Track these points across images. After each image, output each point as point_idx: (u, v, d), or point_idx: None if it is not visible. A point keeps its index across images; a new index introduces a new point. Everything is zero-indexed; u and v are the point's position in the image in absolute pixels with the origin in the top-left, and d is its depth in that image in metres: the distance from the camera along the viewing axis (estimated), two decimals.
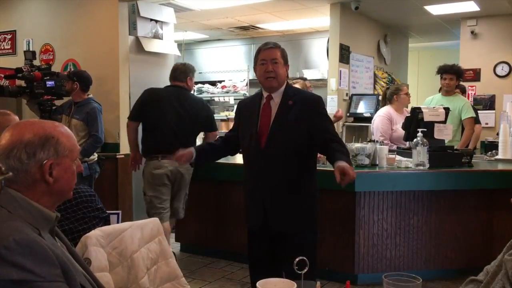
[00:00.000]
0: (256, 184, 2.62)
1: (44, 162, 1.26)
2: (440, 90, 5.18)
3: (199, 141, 4.41)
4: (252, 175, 2.64)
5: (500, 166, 4.16)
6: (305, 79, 5.14)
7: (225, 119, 7.79)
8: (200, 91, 8.08)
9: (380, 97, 5.11)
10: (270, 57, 2.55)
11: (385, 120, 4.57)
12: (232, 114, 7.53)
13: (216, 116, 7.83)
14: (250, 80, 7.72)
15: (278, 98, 2.58)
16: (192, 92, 4.33)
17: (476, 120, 5.23)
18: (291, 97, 2.58)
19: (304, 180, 2.60)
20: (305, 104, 2.56)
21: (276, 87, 2.58)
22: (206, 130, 4.16)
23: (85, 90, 4.45)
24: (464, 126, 4.92)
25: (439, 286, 3.74)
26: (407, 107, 4.81)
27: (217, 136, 4.01)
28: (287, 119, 2.53)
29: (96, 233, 1.90)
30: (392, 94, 4.71)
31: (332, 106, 6.33)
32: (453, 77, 4.89)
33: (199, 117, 3.98)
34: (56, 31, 5.64)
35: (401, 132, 4.38)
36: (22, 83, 4.72)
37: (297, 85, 4.43)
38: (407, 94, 4.76)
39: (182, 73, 4.02)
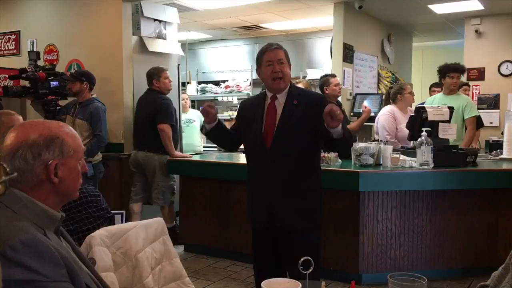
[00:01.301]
0: (262, 184, 2.61)
1: (50, 162, 1.27)
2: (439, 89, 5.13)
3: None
4: (258, 175, 2.64)
5: (505, 166, 4.15)
6: (333, 76, 5.11)
7: (228, 118, 7.78)
8: (203, 91, 8.09)
9: (384, 96, 5.08)
10: (276, 57, 2.55)
11: (390, 118, 4.56)
12: (235, 114, 7.52)
13: (220, 116, 7.85)
14: (253, 79, 7.72)
15: (283, 98, 2.59)
16: (168, 90, 4.75)
17: (478, 123, 5.17)
18: (296, 97, 2.58)
19: (310, 178, 2.61)
20: (310, 103, 2.57)
21: (283, 88, 2.59)
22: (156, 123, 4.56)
23: (91, 89, 4.49)
24: (466, 126, 4.86)
25: (443, 285, 3.73)
26: (411, 106, 4.79)
27: (166, 131, 4.50)
28: (292, 119, 2.53)
29: (101, 233, 1.90)
30: (396, 93, 4.69)
31: None
32: (459, 75, 4.86)
33: (148, 113, 4.63)
34: (60, 32, 5.65)
35: (405, 131, 4.37)
36: (26, 83, 4.73)
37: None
38: (411, 93, 4.73)
39: (147, 78, 4.74)
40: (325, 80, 4.96)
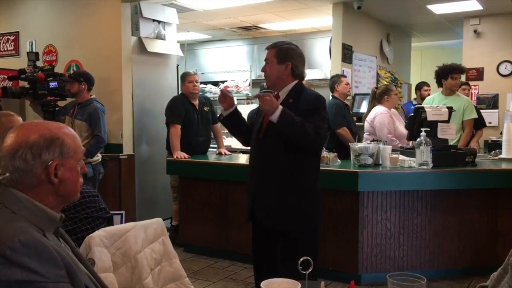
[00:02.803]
0: (251, 176, 2.68)
1: (50, 163, 1.26)
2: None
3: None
4: (250, 166, 2.72)
5: (504, 166, 4.15)
6: (344, 76, 5.34)
7: None
8: (202, 91, 8.08)
9: (369, 97, 5.08)
10: (266, 57, 2.64)
11: (389, 117, 4.57)
12: None
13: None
14: (252, 80, 7.72)
15: (283, 96, 2.64)
16: (192, 93, 4.86)
17: (480, 124, 5.18)
18: (293, 96, 2.60)
19: (297, 178, 2.56)
20: (302, 102, 2.57)
21: (270, 86, 2.68)
22: None
23: (90, 89, 4.48)
24: (463, 127, 4.84)
25: (443, 285, 3.73)
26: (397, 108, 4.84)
27: (170, 131, 4.71)
28: None
29: (100, 234, 1.90)
30: (382, 94, 4.72)
31: None
32: (460, 76, 4.87)
33: None
34: (59, 32, 5.65)
35: (401, 130, 4.39)
36: (25, 84, 4.74)
37: None
38: (397, 94, 4.78)
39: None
40: (336, 79, 5.16)
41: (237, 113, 2.75)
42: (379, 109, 4.67)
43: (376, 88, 5.00)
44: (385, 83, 7.40)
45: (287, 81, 2.61)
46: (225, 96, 2.67)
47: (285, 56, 2.59)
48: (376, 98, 4.76)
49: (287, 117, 2.43)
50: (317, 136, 2.47)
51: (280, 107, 2.45)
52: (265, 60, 2.63)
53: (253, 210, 2.63)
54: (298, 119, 2.44)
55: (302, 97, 2.59)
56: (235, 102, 2.74)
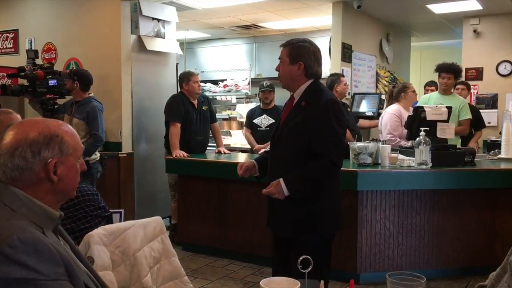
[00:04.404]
0: (269, 180, 2.55)
1: (49, 160, 1.26)
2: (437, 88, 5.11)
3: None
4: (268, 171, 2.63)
5: (503, 165, 4.15)
6: (343, 75, 5.29)
7: (227, 118, 7.77)
8: (202, 90, 8.08)
9: (387, 96, 5.08)
10: (279, 56, 2.53)
11: (394, 117, 4.57)
12: (233, 113, 7.54)
13: (218, 115, 7.86)
14: (252, 79, 7.71)
15: (297, 98, 2.50)
16: (196, 94, 4.89)
17: (479, 124, 5.16)
18: (305, 99, 2.45)
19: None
20: (314, 107, 2.40)
21: (284, 86, 2.55)
22: None
23: (85, 89, 4.43)
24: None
25: (441, 285, 3.73)
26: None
27: (170, 129, 4.69)
28: (294, 120, 2.44)
29: (99, 232, 1.90)
30: (399, 92, 4.71)
31: None
32: (451, 76, 4.74)
33: None
34: (58, 30, 5.65)
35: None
36: (24, 82, 4.72)
37: None
38: (414, 91, 4.76)
39: (179, 81, 4.95)
40: (336, 78, 5.05)
41: (259, 163, 2.65)
42: (389, 109, 4.71)
43: (393, 87, 5.00)
44: (385, 82, 7.41)
45: (301, 81, 2.47)
46: (246, 171, 2.62)
47: (297, 55, 2.44)
48: (394, 96, 4.76)
49: (292, 185, 2.37)
50: (327, 166, 2.39)
51: (280, 180, 2.37)
52: (279, 58, 2.49)
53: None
54: (302, 174, 2.37)
55: (312, 100, 2.42)
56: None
